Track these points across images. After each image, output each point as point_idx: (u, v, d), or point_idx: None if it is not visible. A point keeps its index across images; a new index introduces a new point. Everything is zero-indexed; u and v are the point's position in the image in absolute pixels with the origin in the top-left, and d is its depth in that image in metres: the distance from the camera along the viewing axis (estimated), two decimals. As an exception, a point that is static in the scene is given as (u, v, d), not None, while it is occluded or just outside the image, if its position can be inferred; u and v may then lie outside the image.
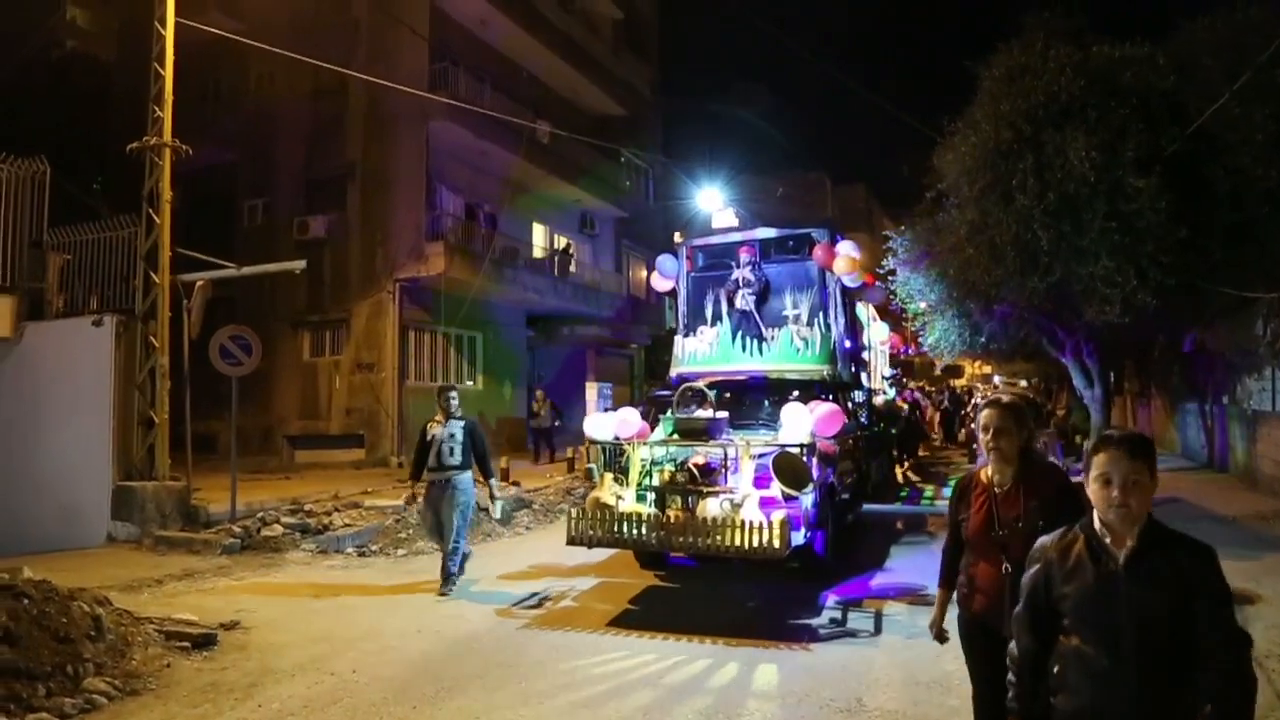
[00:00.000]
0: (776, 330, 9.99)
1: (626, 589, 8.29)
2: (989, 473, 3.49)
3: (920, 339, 16.65)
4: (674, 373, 10.22)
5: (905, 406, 20.41)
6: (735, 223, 25.49)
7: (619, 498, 7.55)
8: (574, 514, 7.53)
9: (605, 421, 8.36)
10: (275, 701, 5.33)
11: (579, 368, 26.63)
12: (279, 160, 20.92)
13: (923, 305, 15.17)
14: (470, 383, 21.61)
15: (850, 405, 10.73)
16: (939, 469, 19.97)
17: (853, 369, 11.33)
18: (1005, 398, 3.64)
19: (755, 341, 9.91)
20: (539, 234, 25.52)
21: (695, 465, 7.65)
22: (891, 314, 17.03)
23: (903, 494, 15.45)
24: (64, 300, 12.27)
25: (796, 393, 9.14)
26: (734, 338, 10.01)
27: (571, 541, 7.46)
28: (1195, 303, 12.03)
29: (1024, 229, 11.11)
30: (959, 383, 37.20)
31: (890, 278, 14.68)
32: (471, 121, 18.94)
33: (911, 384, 28.97)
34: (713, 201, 27.95)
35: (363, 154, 19.96)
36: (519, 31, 22.11)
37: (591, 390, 24.62)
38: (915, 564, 9.11)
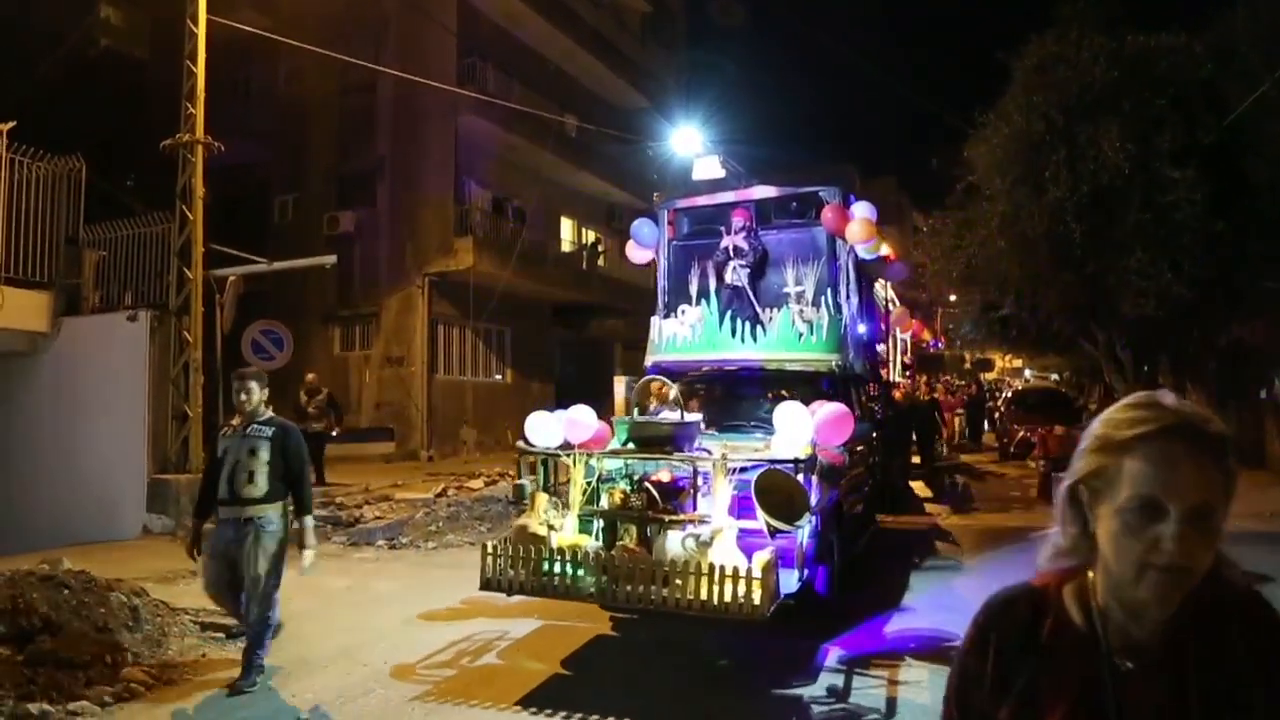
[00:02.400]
0: (774, 311, 8.20)
1: (571, 636, 6.54)
2: (1085, 599, 1.34)
3: (950, 332, 16.53)
4: (649, 362, 8.45)
5: (928, 398, 18.49)
6: (720, 172, 19.90)
7: (552, 528, 5.96)
8: (490, 549, 5.85)
9: (548, 423, 6.53)
10: (309, 692, 5.40)
11: (606, 361, 26.68)
12: (309, 156, 21.11)
13: (953, 298, 15.06)
14: (499, 376, 21.72)
15: (864, 401, 9.22)
16: (959, 478, 16.74)
17: (867, 359, 9.90)
18: (1208, 425, 1.23)
19: (748, 324, 8.07)
20: (567, 228, 25.58)
21: (656, 484, 5.99)
22: (921, 306, 16.92)
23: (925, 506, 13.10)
24: (99, 296, 12.45)
25: (797, 388, 7.57)
26: (722, 320, 8.13)
27: (486, 586, 5.83)
28: (1232, 296, 11.84)
29: (1056, 221, 11.00)
30: (989, 376, 36.74)
31: (921, 270, 14.58)
32: (499, 116, 18.99)
33: (925, 378, 25.03)
34: (689, 144, 21.04)
35: (392, 149, 20.09)
36: (547, 26, 22.14)
37: (619, 384, 24.62)
38: (941, 600, 7.41)
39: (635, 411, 7.24)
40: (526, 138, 20.54)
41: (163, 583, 8.17)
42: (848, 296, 8.56)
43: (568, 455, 6.27)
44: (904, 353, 15.74)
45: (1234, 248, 10.59)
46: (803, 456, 5.70)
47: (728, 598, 5.11)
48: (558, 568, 5.62)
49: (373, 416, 19.80)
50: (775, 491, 5.45)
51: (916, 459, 15.99)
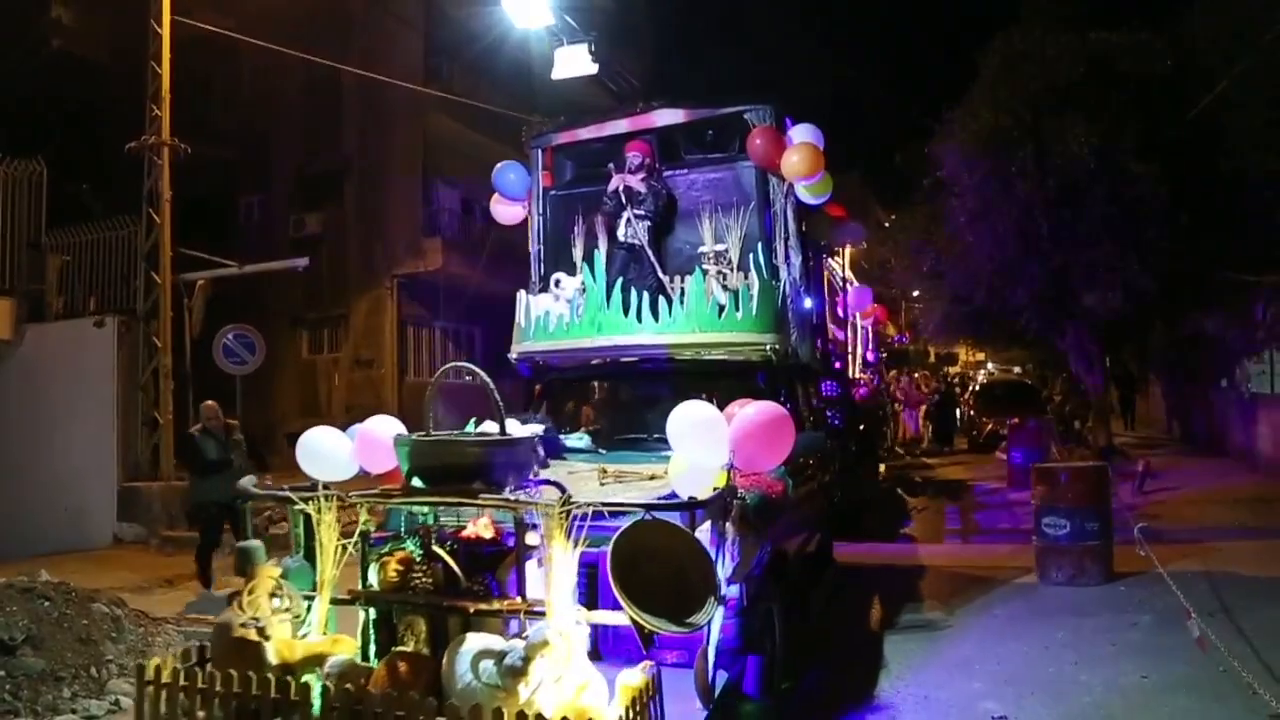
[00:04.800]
0: (684, 278, 6.09)
1: None
2: None
3: (917, 326, 16.73)
4: (514, 354, 6.39)
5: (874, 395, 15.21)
6: (590, 67, 13.41)
7: (259, 620, 3.64)
8: (151, 677, 3.53)
9: (332, 444, 4.41)
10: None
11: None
12: (275, 157, 20.82)
13: (916, 293, 15.27)
14: (468, 378, 21.58)
15: (814, 401, 7.21)
16: (924, 491, 13.38)
17: (817, 344, 7.47)
18: None
19: (648, 297, 5.88)
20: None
21: (466, 545, 3.68)
22: (887, 301, 17.05)
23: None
24: (63, 302, 12.23)
25: (721, 384, 5.76)
26: (611, 291, 5.96)
27: None
28: (1195, 287, 12.12)
29: (1025, 216, 11.18)
30: (953, 370, 37.25)
31: (888, 265, 14.77)
32: (467, 115, 18.89)
33: (893, 373, 22.15)
34: (534, 13, 12.65)
35: (359, 150, 19.88)
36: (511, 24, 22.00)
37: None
38: (934, 681, 5.20)
39: (430, 424, 4.42)
40: (493, 137, 20.44)
41: (139, 592, 8.05)
42: (787, 256, 6.26)
43: (306, 497, 3.98)
44: (866, 343, 13.44)
45: (1197, 240, 10.84)
46: (709, 493, 3.63)
47: None
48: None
49: (344, 420, 19.57)
50: (654, 561, 3.27)
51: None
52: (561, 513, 3.36)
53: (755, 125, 6.25)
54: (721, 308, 5.73)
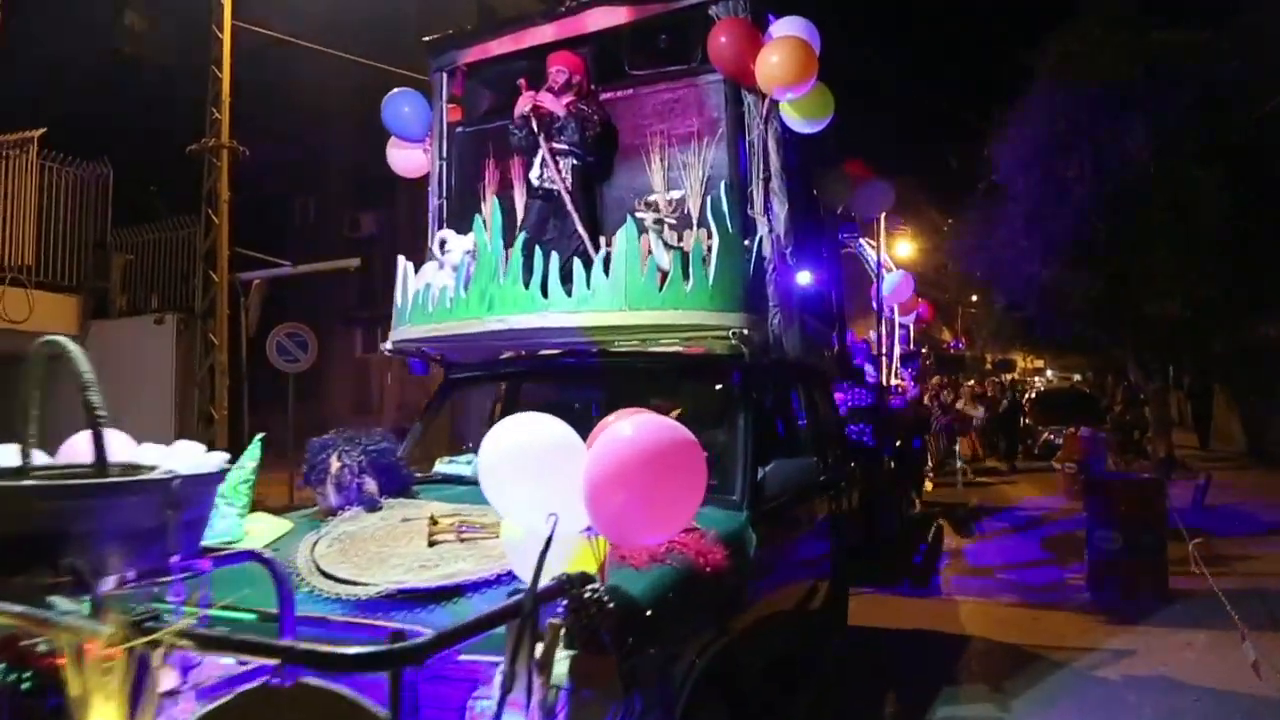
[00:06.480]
0: (618, 238, 4.13)
1: None
2: None
3: (972, 332, 16.44)
4: (388, 343, 4.83)
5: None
6: None
7: None
8: None
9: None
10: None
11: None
12: (330, 158, 21.25)
13: (974, 298, 15.01)
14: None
15: (821, 416, 5.32)
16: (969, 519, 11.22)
17: (820, 335, 5.33)
18: None
19: (571, 261, 4.21)
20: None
21: (35, 671, 1.68)
22: (942, 307, 16.74)
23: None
24: (126, 300, 12.60)
25: (666, 388, 4.58)
26: (509, 252, 4.25)
27: None
28: (1259, 294, 11.73)
29: (1080, 220, 10.93)
30: (1009, 376, 36.51)
31: (942, 270, 14.54)
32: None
33: (938, 380, 18.63)
34: None
35: (412, 151, 20.18)
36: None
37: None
38: None
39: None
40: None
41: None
42: (767, 205, 4.29)
43: None
44: (905, 344, 11.64)
45: (1261, 245, 10.49)
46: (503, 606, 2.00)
47: None
48: None
49: (395, 418, 19.88)
50: None
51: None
52: (116, 645, 1.54)
53: (720, 18, 4.40)
54: (664, 276, 3.93)
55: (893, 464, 8.84)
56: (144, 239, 12.71)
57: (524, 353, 4.67)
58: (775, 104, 4.36)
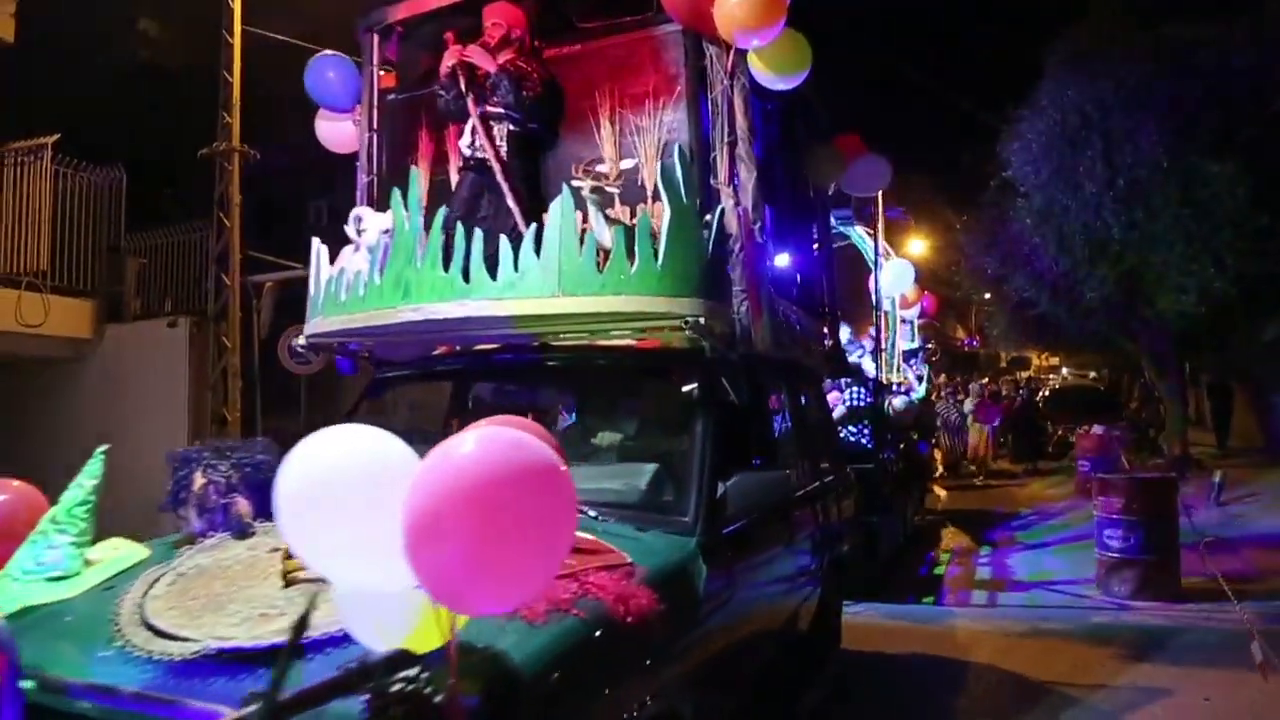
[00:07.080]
0: (550, 212, 3.61)
1: None
2: None
3: (985, 330, 16.36)
4: (301, 338, 4.52)
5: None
6: None
7: None
8: None
9: None
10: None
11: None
12: (342, 161, 21.32)
13: (987, 295, 14.93)
14: None
15: (808, 418, 4.83)
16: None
17: (801, 323, 4.64)
18: None
19: (494, 243, 3.58)
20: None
21: None
22: (955, 304, 16.68)
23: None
24: (140, 303, 12.69)
25: (609, 390, 4.22)
26: (429, 230, 3.74)
27: None
28: (1277, 290, 11.60)
29: (1093, 216, 10.86)
30: (1024, 374, 36.28)
31: (955, 267, 14.47)
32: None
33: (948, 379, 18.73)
34: None
35: (423, 154, 20.23)
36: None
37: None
38: None
39: None
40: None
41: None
42: (733, 174, 3.80)
43: None
44: (908, 339, 11.19)
45: (1277, 241, 10.37)
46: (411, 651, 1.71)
47: None
48: None
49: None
50: None
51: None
52: None
53: None
54: (605, 255, 3.39)
55: (896, 468, 8.51)
56: (157, 242, 12.80)
57: (456, 348, 4.09)
58: (742, 55, 3.87)
